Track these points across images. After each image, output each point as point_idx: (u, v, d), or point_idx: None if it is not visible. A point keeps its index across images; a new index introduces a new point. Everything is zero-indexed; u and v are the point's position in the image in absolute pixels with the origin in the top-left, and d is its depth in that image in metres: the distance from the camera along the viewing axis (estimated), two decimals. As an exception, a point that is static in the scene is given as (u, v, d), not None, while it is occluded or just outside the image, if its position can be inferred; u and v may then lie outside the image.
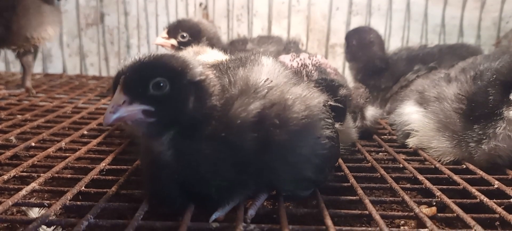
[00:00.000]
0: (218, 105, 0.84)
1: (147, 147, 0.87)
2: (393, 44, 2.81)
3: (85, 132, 1.52)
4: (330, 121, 0.96)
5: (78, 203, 0.94)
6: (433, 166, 1.26)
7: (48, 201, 0.92)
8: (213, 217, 0.85)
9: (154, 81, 0.78)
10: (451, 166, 1.25)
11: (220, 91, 0.86)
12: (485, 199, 0.98)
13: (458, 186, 1.09)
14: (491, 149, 1.20)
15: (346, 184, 1.09)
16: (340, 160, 1.22)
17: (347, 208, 0.95)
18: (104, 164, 1.17)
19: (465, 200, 1.00)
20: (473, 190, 1.04)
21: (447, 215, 0.94)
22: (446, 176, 1.17)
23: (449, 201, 0.96)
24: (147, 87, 0.78)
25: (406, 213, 0.93)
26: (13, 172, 1.07)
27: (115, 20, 2.96)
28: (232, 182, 0.84)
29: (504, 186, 1.08)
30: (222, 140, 0.81)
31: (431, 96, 1.36)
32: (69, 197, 0.93)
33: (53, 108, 1.86)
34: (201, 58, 1.24)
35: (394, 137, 1.57)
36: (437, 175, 1.19)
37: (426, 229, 0.83)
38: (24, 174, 1.10)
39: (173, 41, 1.99)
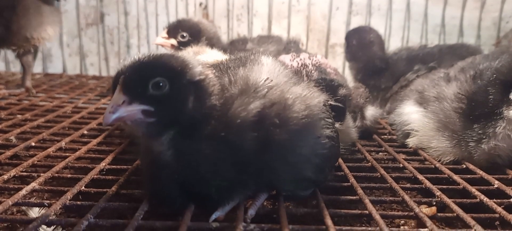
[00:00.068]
0: (218, 105, 0.84)
1: (147, 146, 0.87)
2: (393, 44, 2.81)
3: (85, 132, 1.52)
4: (330, 120, 0.96)
5: (78, 202, 0.94)
6: (433, 166, 1.26)
7: (48, 201, 0.92)
8: (213, 216, 0.85)
9: (154, 81, 0.78)
10: (451, 166, 1.25)
11: (220, 91, 0.86)
12: (485, 199, 0.98)
13: (458, 186, 1.09)
14: (491, 149, 1.20)
15: (346, 183, 1.09)
16: (340, 160, 1.22)
17: (347, 207, 0.95)
18: (104, 164, 1.17)
19: (465, 199, 1.00)
20: (473, 189, 1.04)
21: (447, 214, 0.94)
22: (446, 175, 1.17)
23: (449, 201, 0.96)
24: (146, 87, 0.78)
25: (406, 213, 0.93)
26: (13, 172, 1.07)
27: (115, 20, 2.96)
28: (232, 182, 0.84)
29: (504, 185, 1.08)
30: (222, 140, 0.81)
31: (431, 96, 1.36)
32: (69, 197, 0.93)
33: (53, 108, 1.86)
34: (201, 58, 1.24)
35: (394, 137, 1.57)
36: (437, 175, 1.19)
37: (426, 229, 0.83)
38: (24, 173, 1.10)
39: (173, 41, 1.99)
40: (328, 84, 1.28)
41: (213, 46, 1.92)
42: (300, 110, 0.86)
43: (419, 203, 0.98)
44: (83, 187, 1.00)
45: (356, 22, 2.84)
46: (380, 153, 1.45)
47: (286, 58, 1.53)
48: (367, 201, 0.95)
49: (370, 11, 2.89)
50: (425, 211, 0.94)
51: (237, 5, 2.92)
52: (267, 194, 0.94)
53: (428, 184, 1.08)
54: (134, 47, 2.98)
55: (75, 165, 1.18)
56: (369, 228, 0.84)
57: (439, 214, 0.95)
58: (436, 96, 1.34)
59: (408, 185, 1.11)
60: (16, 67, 2.90)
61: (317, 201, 0.95)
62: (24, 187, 0.97)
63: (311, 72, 1.42)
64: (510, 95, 1.15)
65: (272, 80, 0.89)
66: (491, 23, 2.84)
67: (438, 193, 1.02)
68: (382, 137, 1.61)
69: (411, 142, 1.41)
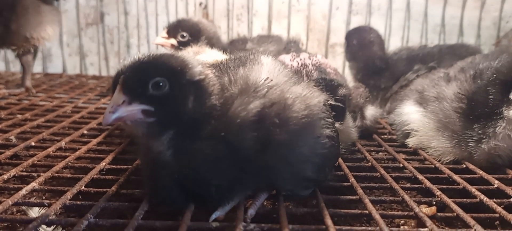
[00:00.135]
0: (218, 105, 0.84)
1: (146, 146, 0.87)
2: (393, 44, 2.81)
3: (85, 132, 1.52)
4: (330, 120, 0.96)
5: (78, 202, 0.94)
6: (433, 166, 1.26)
7: (48, 201, 0.92)
8: (213, 216, 0.85)
9: (154, 81, 0.78)
10: (451, 166, 1.25)
11: (220, 90, 0.86)
12: (485, 199, 0.98)
13: (458, 186, 1.09)
14: (491, 149, 1.20)
15: (346, 183, 1.09)
16: (340, 160, 1.22)
17: (347, 207, 0.95)
18: (104, 164, 1.17)
19: (465, 199, 1.00)
20: (473, 189, 1.04)
21: (447, 214, 0.94)
22: (446, 175, 1.17)
23: (449, 201, 0.96)
24: (146, 87, 0.78)
25: (406, 213, 0.93)
26: (13, 172, 1.07)
27: (115, 19, 2.96)
28: (232, 182, 0.84)
29: (504, 185, 1.08)
30: (221, 139, 0.81)
31: (431, 96, 1.36)
32: (69, 197, 0.93)
33: (53, 108, 1.86)
34: (201, 58, 1.24)
35: (394, 137, 1.57)
36: (437, 175, 1.19)
37: (426, 229, 0.83)
38: (24, 173, 1.10)
39: (173, 41, 1.99)
40: (328, 84, 1.28)
41: (213, 46, 1.92)
42: (300, 110, 0.86)
43: (419, 203, 0.98)
44: (83, 187, 1.00)
45: (356, 21, 2.84)
46: (380, 153, 1.45)
47: (286, 58, 1.52)
48: (367, 200, 0.95)
49: (370, 10, 2.89)
50: (425, 210, 0.94)
51: (237, 5, 2.92)
52: (267, 194, 0.94)
53: (428, 183, 1.08)
54: (134, 47, 2.98)
55: (75, 164, 1.18)
56: (369, 228, 0.83)
57: (439, 214, 0.95)
58: (436, 96, 1.34)
59: (408, 185, 1.11)
60: (16, 67, 2.90)
61: (317, 201, 0.95)
62: (24, 186, 0.97)
63: (311, 72, 1.42)
64: (510, 95, 1.15)
65: (272, 80, 0.89)
66: (491, 23, 2.84)
67: (438, 192, 1.02)
68: (382, 136, 1.61)
69: (411, 141, 1.41)
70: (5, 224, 0.97)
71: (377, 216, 0.86)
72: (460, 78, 1.34)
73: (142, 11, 2.93)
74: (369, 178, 1.18)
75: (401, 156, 1.35)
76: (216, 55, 1.53)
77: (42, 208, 0.93)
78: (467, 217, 0.87)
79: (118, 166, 1.18)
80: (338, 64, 2.84)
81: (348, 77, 2.17)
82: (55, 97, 2.11)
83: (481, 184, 1.09)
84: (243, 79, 0.88)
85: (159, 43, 2.03)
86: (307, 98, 0.90)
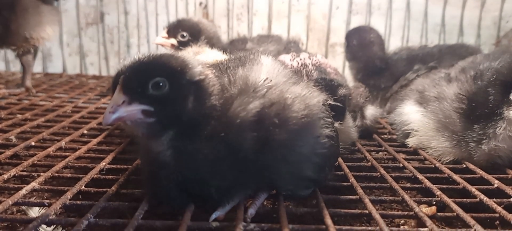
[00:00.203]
0: (218, 105, 0.84)
1: (146, 146, 0.87)
2: (393, 44, 2.81)
3: (85, 131, 1.52)
4: (329, 120, 0.96)
5: (78, 202, 0.94)
6: (433, 165, 1.26)
7: (48, 200, 0.92)
8: (213, 216, 0.85)
9: (154, 81, 0.78)
10: (451, 165, 1.25)
11: (220, 91, 0.86)
12: (485, 198, 0.98)
13: (458, 185, 1.09)
14: (491, 149, 1.20)
15: (346, 183, 1.09)
16: (340, 159, 1.22)
17: (347, 207, 0.95)
18: (104, 163, 1.17)
19: (465, 199, 1.00)
20: (473, 189, 1.04)
21: (447, 214, 0.94)
22: (446, 175, 1.17)
23: (449, 200, 0.96)
24: (146, 87, 0.78)
25: (406, 213, 0.93)
26: (13, 171, 1.07)
27: (115, 19, 2.96)
28: (231, 182, 0.84)
29: (504, 185, 1.08)
30: (221, 140, 0.81)
31: (431, 96, 1.36)
32: (69, 196, 0.93)
33: (53, 107, 1.86)
34: (201, 58, 1.24)
35: (394, 136, 1.57)
36: (437, 174, 1.19)
37: (426, 229, 0.83)
38: (24, 173, 1.10)
39: (173, 41, 1.99)
40: (328, 84, 1.28)
41: (213, 46, 1.92)
42: (300, 110, 0.86)
43: (419, 203, 0.98)
44: (83, 187, 1.00)
45: (356, 21, 2.84)
46: (380, 153, 1.45)
47: (286, 58, 1.52)
48: (367, 200, 0.95)
49: (370, 10, 2.89)
50: (425, 210, 0.94)
51: (237, 5, 2.92)
52: (267, 194, 0.94)
53: (428, 183, 1.08)
54: (134, 46, 2.98)
55: (75, 164, 1.18)
56: (369, 228, 0.84)
57: (439, 214, 0.95)
58: (436, 96, 1.34)
59: (408, 185, 1.12)
60: (16, 66, 2.91)
61: (317, 201, 0.95)
62: (24, 186, 0.97)
63: (311, 72, 1.42)
64: (510, 95, 1.15)
65: (271, 80, 0.89)
66: (491, 23, 2.83)
67: (438, 192, 1.02)
68: (382, 136, 1.61)
69: (411, 141, 1.41)
70: (5, 224, 0.97)
71: (377, 216, 0.86)
72: (461, 79, 1.34)
73: (142, 11, 2.93)
74: (369, 178, 1.18)
75: (401, 156, 1.35)
76: (216, 55, 1.53)
77: (42, 207, 0.93)
78: (467, 217, 0.87)
79: (118, 166, 1.18)
80: (338, 64, 2.84)
81: (348, 77, 2.16)
82: (55, 97, 2.11)
83: (481, 184, 1.09)
84: (242, 79, 0.88)
85: (159, 43, 2.03)
86: (306, 98, 0.90)
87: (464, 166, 1.25)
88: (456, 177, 1.13)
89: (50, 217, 0.84)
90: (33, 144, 1.34)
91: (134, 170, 1.13)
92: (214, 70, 0.90)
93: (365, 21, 2.87)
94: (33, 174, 1.08)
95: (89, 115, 1.77)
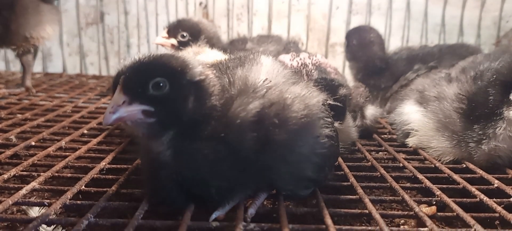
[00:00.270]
0: (218, 105, 0.84)
1: (146, 146, 0.87)
2: (393, 44, 2.81)
3: (85, 131, 1.52)
4: (329, 119, 0.96)
5: (78, 202, 0.94)
6: (433, 165, 1.26)
7: (48, 200, 0.92)
8: (213, 216, 0.85)
9: (154, 81, 0.78)
10: (451, 165, 1.25)
11: (220, 91, 0.86)
12: (485, 198, 0.98)
13: (458, 185, 1.09)
14: (491, 150, 1.20)
15: (346, 183, 1.09)
16: (340, 159, 1.22)
17: (347, 207, 0.95)
18: (104, 163, 1.17)
19: (465, 199, 1.00)
20: (473, 189, 1.04)
21: (447, 214, 0.94)
22: (446, 175, 1.17)
23: (449, 200, 0.96)
24: (146, 87, 0.78)
25: (406, 212, 0.93)
26: (13, 171, 1.07)
27: (115, 19, 2.96)
28: (232, 182, 0.84)
29: (504, 185, 1.08)
30: (221, 140, 0.81)
31: (431, 96, 1.36)
32: (69, 196, 0.93)
33: (53, 107, 1.86)
34: (201, 58, 1.24)
35: (394, 136, 1.57)
36: (437, 174, 1.19)
37: (426, 228, 0.83)
38: (24, 173, 1.10)
39: (173, 41, 1.99)
40: (328, 84, 1.28)
41: (213, 46, 1.92)
42: (299, 110, 0.86)
43: (419, 202, 0.98)
44: (83, 186, 1.00)
45: (356, 21, 2.84)
46: (380, 152, 1.45)
47: (286, 58, 1.53)
48: (367, 200, 0.95)
49: (370, 10, 2.89)
50: (425, 210, 0.94)
51: (237, 5, 2.92)
52: (267, 194, 0.94)
53: (428, 183, 1.08)
54: (134, 46, 2.98)
55: (75, 164, 1.18)
56: (369, 228, 0.84)
57: (439, 214, 0.95)
58: (437, 96, 1.34)
59: (408, 184, 1.12)
60: (16, 66, 2.91)
61: (317, 200, 0.95)
62: (24, 186, 0.97)
63: (311, 71, 1.42)
64: (510, 96, 1.15)
65: (271, 81, 0.89)
66: (491, 23, 2.83)
67: (438, 192, 1.02)
68: (382, 136, 1.61)
69: (411, 141, 1.41)
70: (5, 224, 0.97)
71: (377, 216, 0.87)
72: (461, 79, 1.34)
73: (142, 11, 2.93)
74: (369, 178, 1.18)
75: (401, 156, 1.35)
76: (216, 55, 1.53)
77: (42, 207, 0.93)
78: (467, 217, 0.87)
79: (118, 166, 1.18)
80: (338, 64, 2.84)
81: (348, 77, 2.17)
82: (55, 97, 2.11)
83: (481, 184, 1.09)
84: (242, 79, 0.88)
85: (159, 43, 2.03)
86: (306, 98, 0.90)
87: (464, 165, 1.25)
88: (456, 176, 1.13)
89: (50, 217, 0.84)
90: (33, 143, 1.34)
91: (134, 170, 1.13)
92: (214, 71, 0.90)
93: (365, 21, 2.87)
94: (33, 173, 1.08)
95: (89, 115, 1.77)
